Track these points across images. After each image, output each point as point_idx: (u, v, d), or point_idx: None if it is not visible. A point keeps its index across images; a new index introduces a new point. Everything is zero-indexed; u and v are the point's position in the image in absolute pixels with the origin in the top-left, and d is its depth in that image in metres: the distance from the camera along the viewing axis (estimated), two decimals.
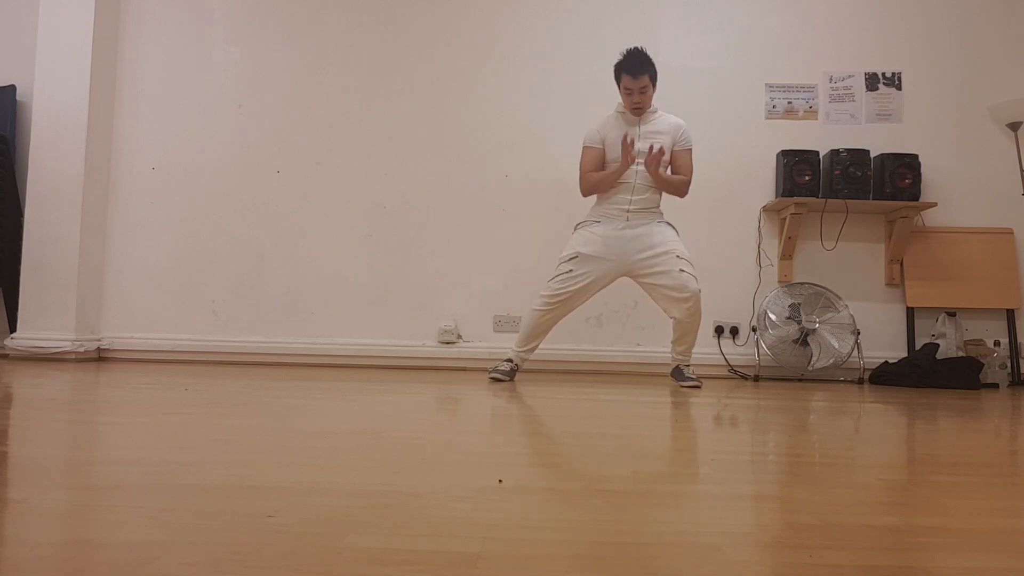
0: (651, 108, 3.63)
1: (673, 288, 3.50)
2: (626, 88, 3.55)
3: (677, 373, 3.73)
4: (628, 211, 3.56)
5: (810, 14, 4.63)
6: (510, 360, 3.72)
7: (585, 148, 3.64)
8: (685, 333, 3.61)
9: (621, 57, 3.57)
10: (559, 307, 3.61)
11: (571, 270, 3.56)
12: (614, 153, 3.56)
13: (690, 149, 3.63)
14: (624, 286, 4.50)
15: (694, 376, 3.70)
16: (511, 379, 3.67)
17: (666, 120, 3.64)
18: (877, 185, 4.33)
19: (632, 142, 3.49)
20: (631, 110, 3.58)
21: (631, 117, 3.60)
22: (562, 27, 4.66)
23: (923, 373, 4.06)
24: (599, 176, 3.58)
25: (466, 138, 4.62)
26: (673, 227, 3.65)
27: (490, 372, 3.73)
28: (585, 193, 3.67)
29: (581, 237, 3.62)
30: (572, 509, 1.19)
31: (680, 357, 3.71)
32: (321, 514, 1.11)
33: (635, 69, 3.51)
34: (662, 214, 3.66)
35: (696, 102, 4.58)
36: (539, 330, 3.67)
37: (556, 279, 3.60)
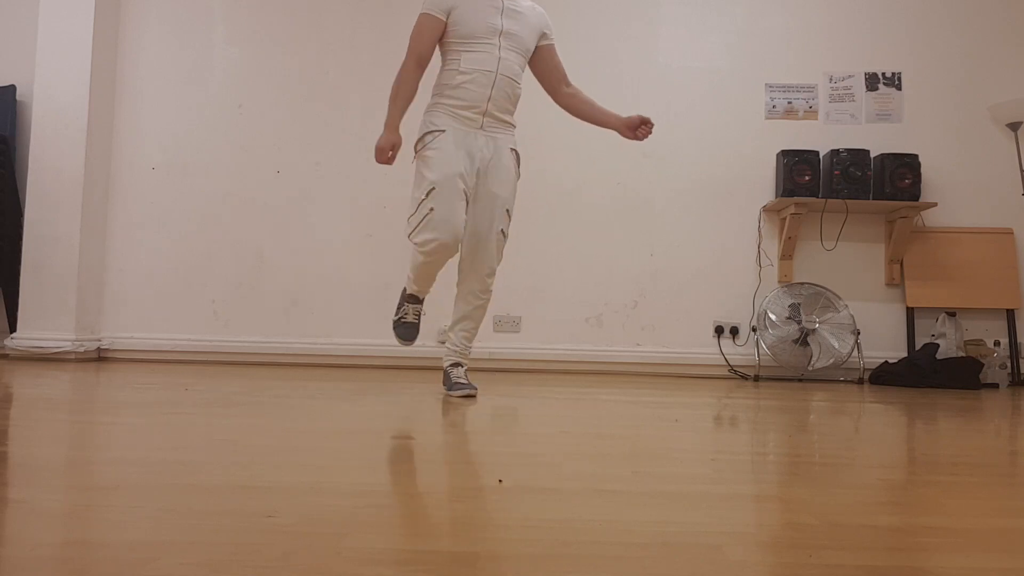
0: None
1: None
2: None
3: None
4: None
5: (810, 14, 4.63)
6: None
7: (422, 16, 2.82)
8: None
9: None
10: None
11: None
12: (468, 27, 2.79)
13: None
14: (624, 285, 4.51)
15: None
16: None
17: (527, 3, 2.97)
18: (877, 185, 4.32)
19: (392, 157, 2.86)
20: None
21: None
22: (562, 27, 4.64)
23: (923, 373, 4.06)
24: (403, 92, 2.89)
25: None
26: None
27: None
28: (394, 88, 2.90)
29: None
30: (572, 509, 1.19)
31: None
32: (321, 514, 1.11)
33: None
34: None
35: (696, 102, 4.58)
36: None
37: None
